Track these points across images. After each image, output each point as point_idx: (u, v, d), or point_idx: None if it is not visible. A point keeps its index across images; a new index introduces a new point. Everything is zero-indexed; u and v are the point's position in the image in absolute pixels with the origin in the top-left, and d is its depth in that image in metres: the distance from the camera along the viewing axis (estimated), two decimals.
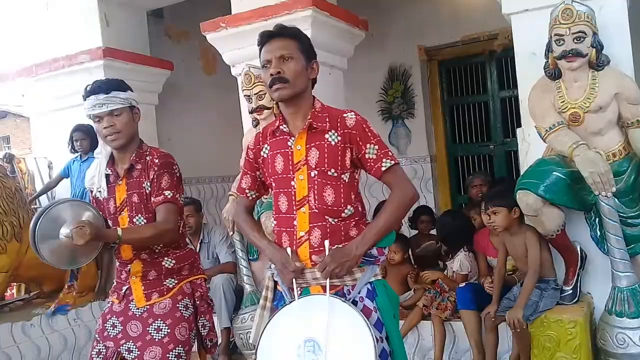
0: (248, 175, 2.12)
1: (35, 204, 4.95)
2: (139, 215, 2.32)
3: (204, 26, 4.19)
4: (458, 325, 3.40)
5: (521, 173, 3.10)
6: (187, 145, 6.06)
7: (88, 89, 2.31)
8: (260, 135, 2.08)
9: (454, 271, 3.55)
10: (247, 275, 4.00)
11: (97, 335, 2.40)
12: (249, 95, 3.86)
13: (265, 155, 2.03)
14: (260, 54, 1.98)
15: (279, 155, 1.98)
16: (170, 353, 2.26)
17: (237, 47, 4.19)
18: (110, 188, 2.37)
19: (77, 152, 4.61)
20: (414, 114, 6.12)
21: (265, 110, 3.83)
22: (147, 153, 2.37)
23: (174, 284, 2.35)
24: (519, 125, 3.36)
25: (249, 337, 3.77)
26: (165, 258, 2.35)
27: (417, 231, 4.57)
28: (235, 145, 4.65)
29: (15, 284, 4.86)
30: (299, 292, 1.90)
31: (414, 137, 6.13)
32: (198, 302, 2.43)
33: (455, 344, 3.46)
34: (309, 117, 1.94)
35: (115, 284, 2.46)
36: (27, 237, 3.87)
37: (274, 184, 2.01)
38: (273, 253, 1.98)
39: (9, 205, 3.95)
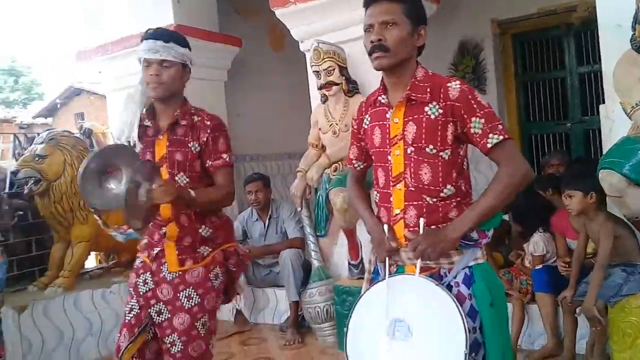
0: (354, 146, 2.05)
1: None
2: (182, 173, 2.24)
3: (273, 2, 4.19)
4: (533, 308, 3.32)
5: (603, 152, 2.94)
6: (255, 121, 6.13)
7: (149, 31, 2.26)
8: (363, 104, 1.99)
9: (531, 254, 3.44)
10: (315, 251, 4.04)
11: (130, 289, 2.34)
12: (318, 71, 3.85)
13: (366, 127, 1.94)
14: (364, 17, 1.85)
15: (377, 127, 1.88)
16: (198, 322, 2.24)
17: (306, 22, 4.17)
18: (148, 142, 2.28)
19: None
20: (485, 90, 5.91)
21: (334, 87, 3.82)
22: (194, 112, 2.30)
23: (207, 252, 2.29)
24: (599, 102, 3.19)
25: (317, 311, 3.83)
26: (203, 225, 2.28)
27: None
28: (301, 122, 4.66)
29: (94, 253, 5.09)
30: (395, 270, 1.84)
31: None
32: (235, 269, 2.39)
33: (529, 327, 3.38)
34: (408, 88, 1.79)
35: (146, 242, 2.36)
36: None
37: (373, 157, 1.93)
38: (371, 227, 1.92)
39: None
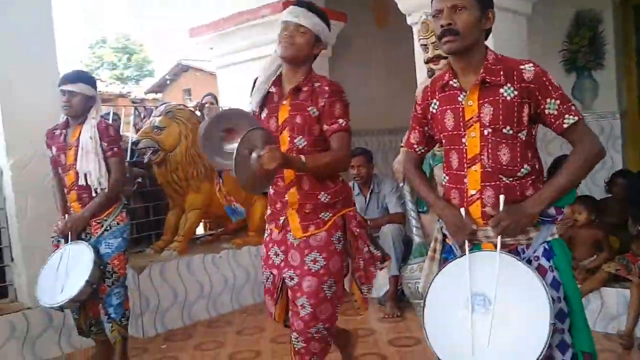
0: (416, 130, 2.09)
1: None
2: (301, 136, 2.32)
3: None
4: None
5: None
6: (357, 97, 6.07)
7: (296, 1, 2.39)
8: (429, 89, 2.01)
9: None
10: (416, 227, 4.01)
11: (263, 263, 2.52)
12: (426, 45, 3.78)
13: (434, 111, 1.97)
14: (431, 2, 1.88)
15: (448, 111, 1.91)
16: (325, 284, 2.33)
17: None
18: (273, 107, 2.39)
19: None
20: (603, 64, 5.54)
21: (442, 60, 3.74)
22: (316, 80, 2.37)
23: (329, 216, 2.36)
24: None
25: (417, 286, 3.82)
26: (322, 192, 2.35)
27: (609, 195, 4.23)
28: (403, 98, 4.64)
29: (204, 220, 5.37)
30: (470, 248, 1.86)
31: (602, 90, 5.56)
32: (358, 231, 2.42)
33: None
34: (482, 71, 1.82)
35: (270, 212, 2.49)
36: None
37: (444, 141, 1.96)
38: (442, 209, 1.95)
39: None
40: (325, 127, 2.32)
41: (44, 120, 3.44)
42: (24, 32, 3.72)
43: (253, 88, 2.48)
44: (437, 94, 1.96)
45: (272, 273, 2.48)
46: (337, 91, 2.33)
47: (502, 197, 1.80)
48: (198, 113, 5.02)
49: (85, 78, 3.27)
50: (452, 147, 1.92)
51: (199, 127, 4.35)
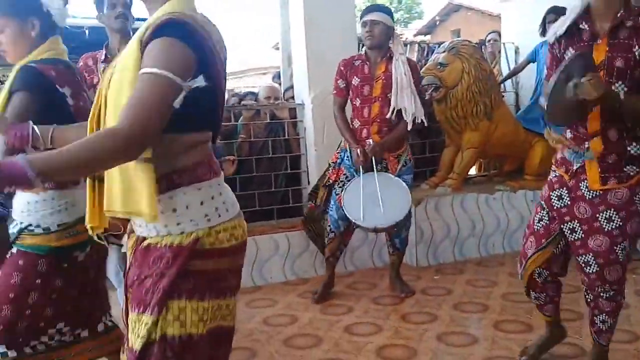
0: None
1: (501, 88, 5.19)
2: (620, 82, 2.04)
3: None
4: None
5: None
6: None
7: None
8: None
9: None
10: None
11: (542, 202, 2.33)
12: None
13: None
14: None
15: None
16: (618, 246, 2.13)
17: None
18: (583, 47, 2.09)
19: None
20: None
21: None
22: (638, 12, 2.04)
23: (634, 171, 2.10)
24: None
25: None
26: (633, 143, 2.09)
27: None
28: None
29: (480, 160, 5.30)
30: None
31: None
32: None
33: None
34: None
35: (561, 157, 2.28)
36: (497, 116, 4.17)
37: None
38: None
39: (484, 86, 4.25)
40: None
41: (341, 58, 3.73)
42: None
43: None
44: None
45: (549, 216, 2.29)
46: None
47: None
48: (479, 50, 4.91)
49: (384, 9, 3.47)
50: None
51: (481, 63, 4.31)
